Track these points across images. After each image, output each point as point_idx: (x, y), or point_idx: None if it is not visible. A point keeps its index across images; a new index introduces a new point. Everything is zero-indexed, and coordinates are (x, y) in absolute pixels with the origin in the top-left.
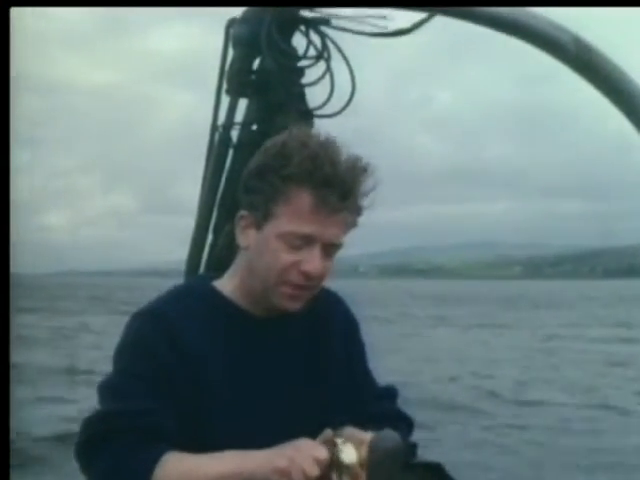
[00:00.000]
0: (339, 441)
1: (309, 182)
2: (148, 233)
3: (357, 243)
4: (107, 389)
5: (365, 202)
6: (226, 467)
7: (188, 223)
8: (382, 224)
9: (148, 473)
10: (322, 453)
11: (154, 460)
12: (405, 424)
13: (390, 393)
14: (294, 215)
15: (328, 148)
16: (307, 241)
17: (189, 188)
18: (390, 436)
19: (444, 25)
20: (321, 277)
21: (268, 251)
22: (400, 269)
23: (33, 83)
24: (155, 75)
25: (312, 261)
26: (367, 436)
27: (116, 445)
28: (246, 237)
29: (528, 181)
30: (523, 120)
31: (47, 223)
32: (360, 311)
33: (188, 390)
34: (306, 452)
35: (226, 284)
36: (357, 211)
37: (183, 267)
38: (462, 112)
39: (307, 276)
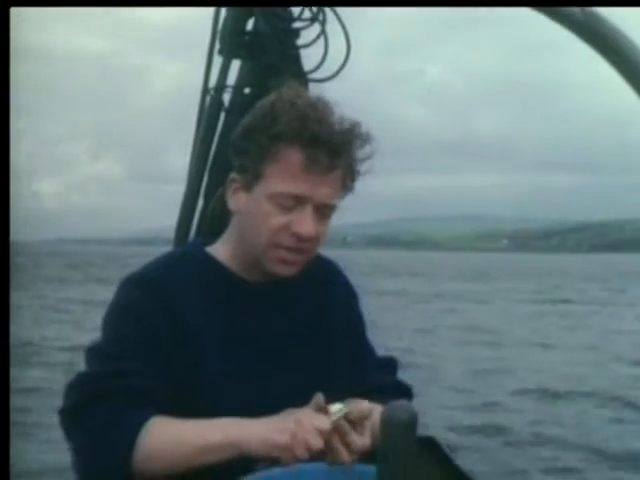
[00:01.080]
0: (331, 406)
1: (298, 141)
2: (137, 201)
3: (345, 213)
4: (94, 352)
5: (361, 168)
6: (216, 437)
7: (178, 191)
8: (370, 194)
9: (133, 436)
10: (324, 423)
11: (140, 423)
12: (406, 395)
13: (390, 364)
14: (283, 175)
15: (318, 107)
16: (298, 201)
17: (179, 156)
18: (404, 407)
19: None
20: (314, 239)
21: (258, 213)
22: (388, 240)
23: (25, 51)
24: (147, 43)
25: (303, 222)
26: (364, 402)
27: (102, 407)
28: (237, 200)
29: (517, 154)
30: (514, 94)
31: (37, 190)
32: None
33: (180, 357)
34: (308, 425)
35: (220, 250)
36: (351, 174)
37: (172, 234)
38: (453, 84)
39: (299, 238)
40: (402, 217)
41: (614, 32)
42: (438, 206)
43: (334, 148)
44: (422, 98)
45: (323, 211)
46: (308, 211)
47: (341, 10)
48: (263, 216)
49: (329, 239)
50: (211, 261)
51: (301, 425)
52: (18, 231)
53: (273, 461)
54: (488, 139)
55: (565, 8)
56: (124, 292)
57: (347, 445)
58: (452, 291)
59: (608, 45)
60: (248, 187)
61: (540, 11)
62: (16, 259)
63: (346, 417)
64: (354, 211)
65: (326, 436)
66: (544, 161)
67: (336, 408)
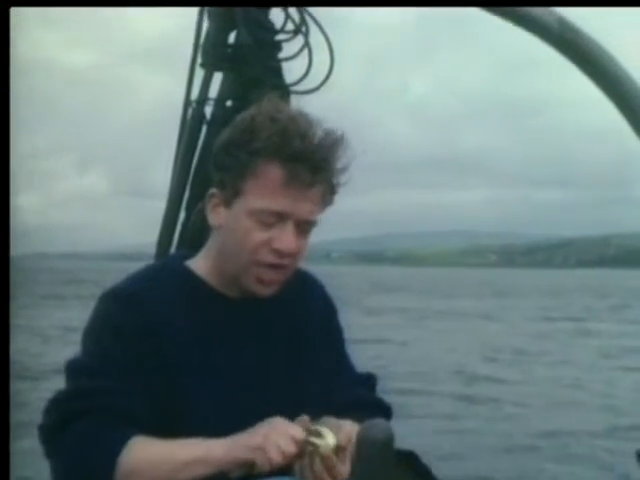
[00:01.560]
0: (314, 426)
1: (278, 156)
2: (121, 216)
3: (330, 229)
4: (74, 369)
5: (341, 179)
6: (193, 454)
7: (161, 207)
8: (355, 210)
9: (114, 456)
10: (297, 431)
11: (121, 442)
12: (384, 412)
13: (369, 381)
14: (264, 191)
15: (298, 122)
16: (279, 218)
17: (162, 172)
18: (381, 426)
19: (421, 11)
20: (295, 256)
21: (238, 230)
22: (373, 256)
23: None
24: (132, 56)
25: (284, 238)
26: (346, 424)
27: (82, 425)
28: (217, 216)
29: (503, 170)
30: (499, 109)
31: (18, 205)
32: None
33: (159, 372)
34: (281, 429)
35: (199, 264)
36: (332, 187)
37: (154, 250)
38: (438, 99)
39: (280, 254)
40: (387, 233)
41: (590, 44)
42: (423, 222)
43: (316, 164)
44: (407, 113)
45: (304, 227)
46: (289, 227)
47: (324, 23)
48: (243, 233)
49: (313, 255)
50: (190, 275)
51: (275, 429)
52: None
53: (249, 471)
54: (473, 155)
55: (541, 20)
56: (104, 306)
57: (328, 470)
58: (457, 307)
59: (584, 57)
60: (228, 203)
61: (518, 24)
62: None
63: (335, 451)
64: (338, 227)
65: (299, 445)
66: (529, 177)
67: (322, 430)
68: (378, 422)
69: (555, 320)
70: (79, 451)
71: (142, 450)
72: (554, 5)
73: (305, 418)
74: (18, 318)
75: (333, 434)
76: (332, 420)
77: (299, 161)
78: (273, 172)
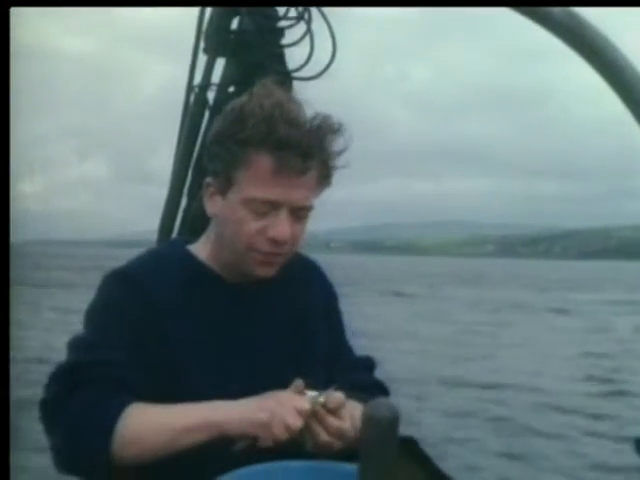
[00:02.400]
0: (309, 392)
1: (266, 145)
2: (123, 203)
3: (329, 218)
4: (75, 344)
5: (337, 162)
6: (194, 419)
7: (163, 193)
8: (355, 199)
9: (112, 423)
10: (303, 404)
11: (119, 408)
12: (383, 394)
13: (368, 364)
14: (255, 180)
15: (285, 107)
16: (272, 206)
17: (165, 158)
18: (387, 405)
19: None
20: (291, 242)
21: (234, 219)
22: (373, 245)
23: (12, 50)
24: (134, 42)
25: (278, 226)
26: (341, 394)
27: (80, 397)
28: (213, 204)
29: (504, 161)
30: (501, 99)
31: (20, 191)
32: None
33: (159, 351)
34: (287, 404)
35: (201, 249)
36: (327, 171)
37: (156, 236)
38: (439, 89)
39: (275, 242)
40: (387, 222)
41: (593, 32)
42: (423, 212)
43: (305, 150)
44: (407, 102)
45: (299, 213)
46: (283, 215)
47: (326, 11)
48: (238, 222)
49: (313, 244)
50: (192, 260)
51: (280, 404)
52: None
53: (251, 441)
54: (474, 145)
55: (544, 8)
56: (106, 287)
57: (326, 427)
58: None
59: (587, 45)
60: (222, 192)
61: (518, 11)
62: None
63: (323, 406)
64: (338, 216)
65: (305, 418)
66: (531, 168)
67: (314, 394)
68: (384, 401)
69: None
70: (78, 420)
71: (140, 416)
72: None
73: (299, 382)
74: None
75: (321, 394)
76: (327, 391)
77: (287, 148)
78: (262, 161)
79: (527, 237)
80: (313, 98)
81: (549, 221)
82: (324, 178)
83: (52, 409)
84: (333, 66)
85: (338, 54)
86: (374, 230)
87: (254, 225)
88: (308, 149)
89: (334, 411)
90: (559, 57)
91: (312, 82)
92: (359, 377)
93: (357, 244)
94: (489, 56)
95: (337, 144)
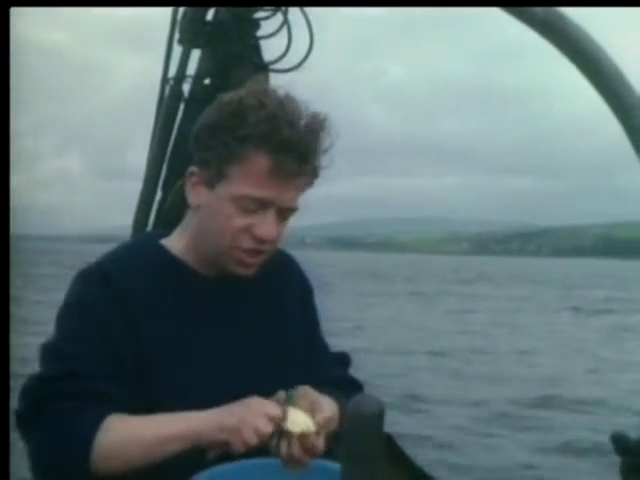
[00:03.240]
0: (289, 408)
1: (266, 145)
2: (99, 198)
3: (305, 214)
4: (49, 351)
5: (323, 162)
6: (171, 429)
7: (138, 188)
8: (330, 196)
9: (90, 436)
10: (274, 410)
11: (96, 421)
12: (358, 390)
13: (343, 360)
14: (249, 178)
15: (287, 108)
16: (261, 205)
17: (140, 153)
18: (372, 400)
19: None
20: (274, 241)
21: (220, 213)
22: (349, 242)
23: None
24: (109, 35)
25: (266, 225)
26: (321, 400)
27: (57, 409)
28: (197, 195)
29: (478, 158)
30: (476, 96)
31: None
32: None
33: (132, 351)
34: (257, 409)
35: (175, 243)
36: (316, 172)
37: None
38: (414, 86)
39: (260, 241)
40: (363, 219)
41: (575, 30)
42: (399, 208)
43: (302, 153)
44: (384, 99)
45: (285, 214)
46: (270, 215)
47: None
48: (225, 217)
49: (288, 240)
50: (164, 253)
51: (251, 410)
52: None
53: (224, 449)
54: (450, 141)
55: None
56: (77, 287)
57: (310, 451)
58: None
59: (570, 43)
60: (210, 184)
61: (499, 5)
62: None
63: (295, 403)
64: (314, 212)
65: (276, 424)
66: (506, 164)
67: (290, 409)
68: (369, 396)
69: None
70: (54, 434)
71: (117, 428)
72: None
73: (281, 396)
74: None
75: (309, 416)
76: (308, 393)
77: (286, 151)
78: (260, 160)
79: (501, 234)
80: (290, 91)
81: (523, 218)
82: (312, 180)
83: (28, 420)
84: (311, 60)
85: (315, 50)
86: (350, 226)
87: (240, 222)
88: (305, 153)
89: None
90: (538, 54)
91: (288, 76)
92: (335, 372)
93: (333, 240)
94: (467, 53)
95: (325, 143)
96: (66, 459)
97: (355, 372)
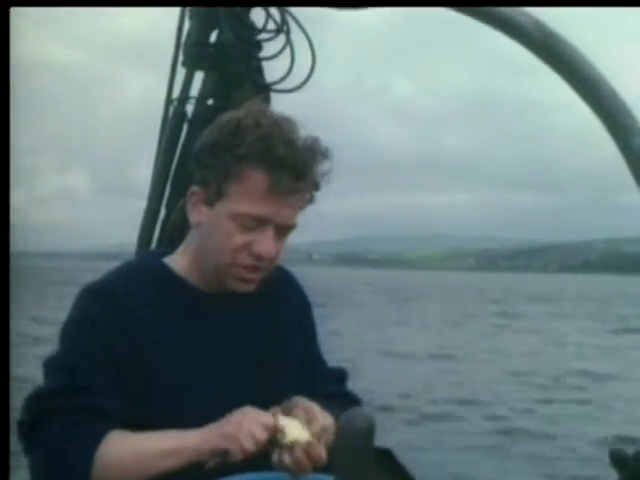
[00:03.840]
0: (284, 420)
1: (262, 163)
2: (102, 214)
3: (311, 230)
4: (52, 366)
5: (322, 180)
6: (169, 443)
7: (143, 205)
8: (336, 212)
9: (91, 452)
10: (269, 419)
11: (97, 437)
12: (354, 405)
13: (340, 375)
14: (247, 196)
15: (283, 127)
16: (260, 222)
17: (145, 170)
18: (363, 414)
19: (403, 13)
20: (273, 259)
21: (220, 231)
22: (355, 258)
23: None
24: (115, 54)
25: (264, 243)
26: (316, 409)
27: (59, 423)
28: (197, 213)
29: (485, 173)
30: (482, 112)
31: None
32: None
33: (134, 367)
34: (253, 417)
35: (178, 261)
36: (313, 190)
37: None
38: (421, 102)
39: (259, 258)
40: (368, 235)
41: (566, 47)
42: (404, 225)
43: (299, 171)
44: (389, 114)
45: (283, 231)
46: (269, 232)
47: (308, 23)
48: (224, 235)
49: (295, 256)
50: (167, 272)
51: (246, 417)
52: None
53: (222, 458)
54: (455, 157)
55: (518, 22)
56: (81, 304)
57: (314, 460)
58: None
59: (560, 60)
60: (210, 202)
61: (493, 26)
62: None
63: (291, 413)
64: (320, 229)
65: (271, 432)
66: (511, 180)
67: (285, 420)
68: (360, 410)
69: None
70: (56, 448)
71: (118, 444)
72: (547, 5)
73: (277, 410)
74: None
75: (304, 426)
76: (304, 403)
77: (283, 168)
78: (257, 178)
79: (508, 250)
80: (296, 109)
81: (529, 234)
82: (310, 198)
83: (29, 433)
84: (316, 77)
85: (321, 65)
86: (356, 243)
87: (240, 239)
88: (302, 170)
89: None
90: (541, 68)
91: (295, 93)
92: (332, 387)
93: (339, 257)
94: (471, 68)
95: (324, 166)
96: (66, 474)
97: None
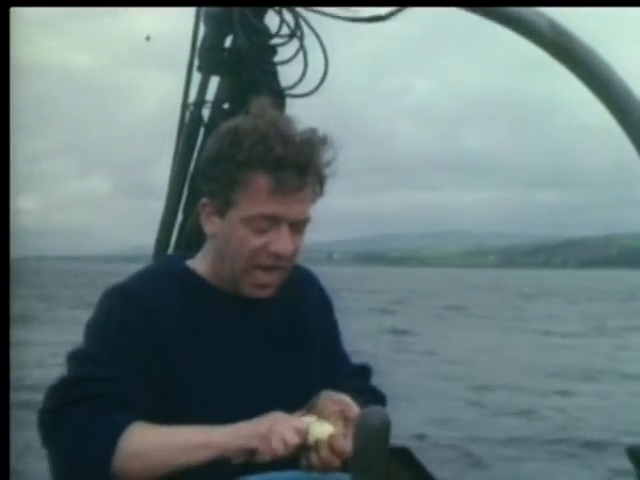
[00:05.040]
0: (312, 420)
1: (263, 165)
2: (122, 218)
3: (332, 230)
4: (76, 357)
5: (329, 172)
6: (197, 437)
7: (161, 208)
8: (356, 211)
9: (113, 441)
10: (300, 423)
11: (121, 426)
12: (380, 400)
13: (365, 371)
14: (254, 199)
15: (278, 126)
16: (273, 222)
17: (163, 173)
18: (378, 412)
19: (422, 13)
20: (292, 256)
21: (235, 238)
22: (374, 257)
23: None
24: (132, 58)
25: (281, 241)
26: (345, 398)
27: (82, 412)
28: (211, 224)
29: (504, 171)
30: (501, 110)
31: (20, 208)
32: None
33: (160, 366)
34: (285, 421)
35: (199, 264)
36: (320, 182)
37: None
38: (440, 101)
39: (277, 256)
40: (387, 234)
41: (581, 47)
42: (424, 223)
43: (302, 166)
44: (409, 114)
45: (298, 226)
46: (284, 230)
47: (326, 24)
48: (240, 240)
49: (315, 255)
50: (191, 274)
51: (279, 421)
52: None
53: (249, 458)
54: (475, 155)
55: (533, 23)
56: (106, 302)
57: (339, 454)
58: None
59: (575, 60)
60: (221, 212)
61: (509, 27)
62: None
63: (320, 414)
64: (340, 228)
65: (301, 438)
66: (531, 177)
67: (312, 420)
68: (375, 409)
69: None
70: (79, 435)
71: (142, 434)
72: (550, 5)
73: (306, 415)
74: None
75: (333, 425)
76: (333, 397)
77: (284, 167)
78: (261, 181)
79: (528, 247)
80: (316, 110)
81: (549, 230)
82: (318, 189)
83: (53, 421)
84: (335, 78)
85: (340, 66)
86: (375, 241)
87: (256, 241)
88: (304, 165)
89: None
90: (560, 66)
91: (313, 95)
92: (357, 382)
93: (359, 255)
94: (491, 67)
95: (327, 155)
96: (88, 463)
97: None
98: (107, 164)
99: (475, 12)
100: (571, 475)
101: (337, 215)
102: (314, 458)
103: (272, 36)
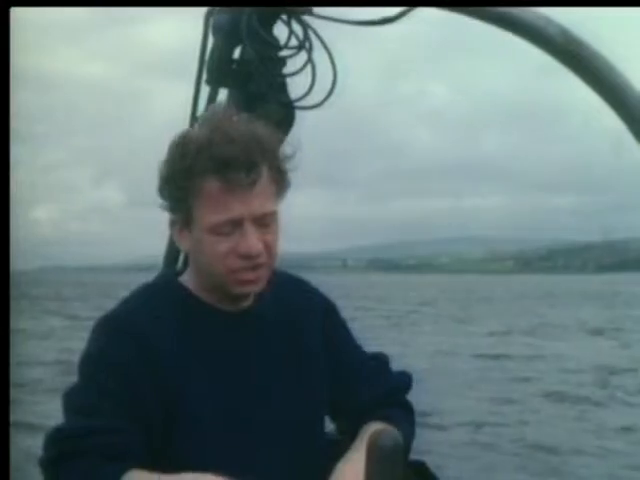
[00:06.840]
0: None
1: (210, 170)
2: (137, 228)
3: (346, 237)
4: (72, 403)
5: (287, 164)
6: None
7: None
8: (372, 218)
9: None
10: None
11: (114, 478)
12: (404, 390)
13: (382, 364)
14: (210, 206)
15: (222, 128)
16: (235, 224)
17: None
18: (390, 434)
19: (436, 18)
20: (266, 251)
21: (204, 248)
22: (391, 264)
23: (28, 77)
24: (148, 67)
25: (246, 241)
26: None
27: (78, 464)
28: (184, 240)
29: (521, 176)
30: (518, 115)
31: (35, 218)
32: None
33: (158, 398)
34: None
35: (190, 281)
36: (279, 174)
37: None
38: (457, 106)
39: (247, 257)
40: (404, 240)
41: (592, 55)
42: (440, 229)
43: (248, 164)
44: (425, 119)
45: (263, 221)
46: (247, 229)
47: (339, 32)
48: (209, 249)
49: (330, 263)
50: (185, 292)
51: None
52: (13, 259)
53: None
54: (492, 160)
55: (545, 31)
56: (97, 336)
57: None
58: None
59: (586, 68)
60: (187, 227)
61: (520, 36)
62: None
63: None
64: (355, 235)
65: None
66: (548, 182)
67: None
68: (387, 430)
69: None
70: None
71: None
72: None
73: None
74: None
75: None
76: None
77: (229, 166)
78: (211, 186)
79: (545, 251)
80: (331, 117)
81: (566, 235)
82: (278, 182)
83: (50, 471)
84: (349, 86)
85: (353, 72)
86: (391, 248)
87: (223, 246)
88: (249, 162)
89: None
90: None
91: (329, 101)
92: (377, 390)
93: (374, 262)
94: (507, 71)
95: (279, 146)
96: None
97: None
98: (122, 174)
99: (486, 21)
100: None
101: (352, 222)
102: None
103: (281, 48)
